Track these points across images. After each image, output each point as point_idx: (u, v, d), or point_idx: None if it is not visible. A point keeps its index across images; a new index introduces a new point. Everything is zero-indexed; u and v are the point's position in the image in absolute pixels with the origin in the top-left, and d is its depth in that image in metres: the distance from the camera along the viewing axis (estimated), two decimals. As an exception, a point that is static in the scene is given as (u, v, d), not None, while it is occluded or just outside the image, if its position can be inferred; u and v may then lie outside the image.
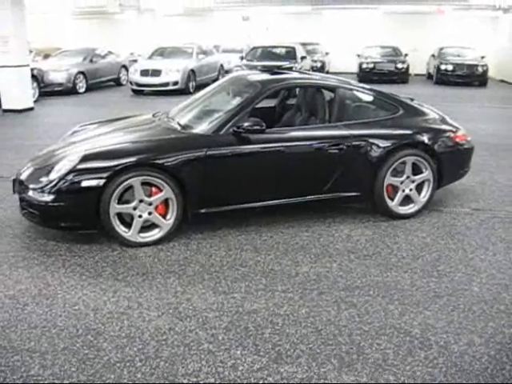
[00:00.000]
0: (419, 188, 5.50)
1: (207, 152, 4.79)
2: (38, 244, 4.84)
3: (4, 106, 12.91)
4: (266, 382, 2.96)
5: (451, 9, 23.44)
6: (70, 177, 4.56)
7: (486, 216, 5.64)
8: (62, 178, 4.57)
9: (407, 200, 5.49)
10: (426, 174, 5.45)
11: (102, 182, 4.53)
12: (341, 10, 25.55)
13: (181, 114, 5.66)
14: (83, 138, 5.51)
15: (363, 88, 5.84)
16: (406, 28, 25.28)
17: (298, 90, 6.32)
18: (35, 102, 14.00)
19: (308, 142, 5.20)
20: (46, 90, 15.76)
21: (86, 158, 4.66)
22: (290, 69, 14.59)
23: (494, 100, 16.37)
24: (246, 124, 4.88)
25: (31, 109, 13.27)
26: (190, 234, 5.05)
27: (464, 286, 4.09)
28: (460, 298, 3.91)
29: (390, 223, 5.38)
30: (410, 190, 5.44)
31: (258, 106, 5.33)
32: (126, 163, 4.58)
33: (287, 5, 24.95)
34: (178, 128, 5.24)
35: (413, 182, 5.43)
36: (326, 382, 2.96)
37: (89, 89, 17.48)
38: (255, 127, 4.88)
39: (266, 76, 5.86)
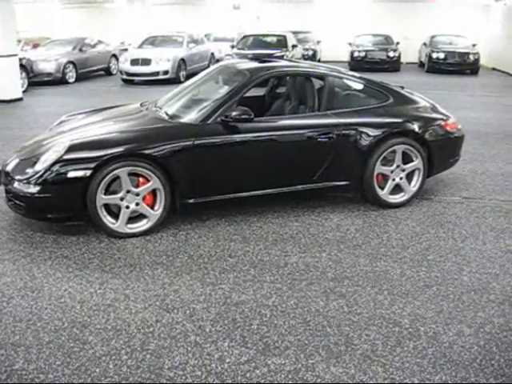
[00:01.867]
0: (409, 177, 5.46)
1: (195, 141, 4.74)
2: (25, 236, 4.78)
3: (-8, 97, 12.76)
4: (253, 374, 2.92)
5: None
6: (55, 167, 4.50)
7: (476, 205, 5.62)
8: (47, 169, 4.51)
9: (397, 189, 5.46)
10: (417, 162, 5.41)
11: (88, 172, 4.46)
12: (332, -2, 25.45)
13: (169, 103, 5.59)
14: (70, 127, 5.43)
15: (353, 76, 5.78)
16: (397, 16, 25.17)
17: (287, 78, 6.25)
18: (24, 92, 13.84)
19: (297, 131, 5.15)
20: (35, 80, 15.56)
21: (71, 149, 4.60)
22: (281, 57, 14.51)
23: (486, 88, 16.35)
24: (234, 113, 4.82)
25: (20, 99, 13.12)
26: (178, 225, 5.00)
27: (454, 276, 4.06)
28: (450, 287, 3.89)
29: (379, 212, 5.34)
30: (401, 178, 5.40)
31: (248, 94, 5.27)
32: (112, 153, 4.52)
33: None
34: (166, 117, 5.17)
35: (403, 170, 5.39)
36: (314, 373, 2.93)
37: (78, 78, 17.30)
38: (243, 116, 4.82)
39: (254, 64, 5.79)
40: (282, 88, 6.46)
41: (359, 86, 5.70)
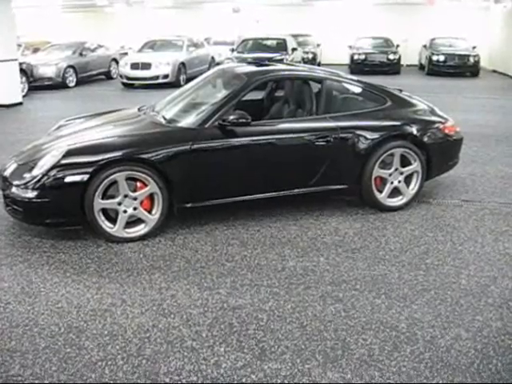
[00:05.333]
0: (408, 180, 5.45)
1: (192, 146, 4.73)
2: (23, 241, 4.77)
3: (-8, 101, 12.78)
4: (249, 379, 2.91)
5: (442, -1, 23.38)
6: (53, 172, 4.49)
7: (475, 207, 5.60)
8: (45, 174, 4.51)
9: (396, 192, 5.45)
10: (415, 165, 5.40)
11: (86, 177, 4.46)
12: (332, 1, 25.43)
13: (166, 107, 5.59)
14: (68, 132, 5.44)
15: (351, 79, 5.78)
16: (397, 19, 25.18)
17: (285, 82, 6.24)
18: (24, 96, 13.86)
19: (295, 135, 5.15)
20: (36, 85, 15.59)
21: (69, 153, 4.59)
22: (281, 61, 14.53)
23: (486, 90, 16.35)
24: (231, 117, 4.82)
25: (20, 103, 13.13)
26: (176, 229, 4.99)
27: (452, 279, 4.05)
28: (447, 291, 3.87)
29: (378, 216, 5.33)
30: (399, 182, 5.40)
31: (246, 98, 5.28)
32: (110, 158, 4.52)
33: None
34: (163, 122, 5.17)
35: (401, 173, 5.38)
36: (310, 378, 2.92)
37: (79, 83, 17.34)
38: (241, 120, 4.81)
39: (252, 68, 5.78)
40: (281, 91, 6.45)
41: (357, 90, 5.69)
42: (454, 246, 4.65)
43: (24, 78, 14.41)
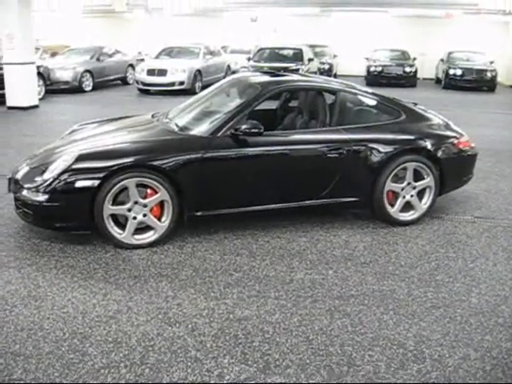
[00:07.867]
0: (420, 194, 5.40)
1: (204, 154, 4.72)
2: (32, 244, 4.78)
3: (9, 103, 12.84)
4: (252, 392, 2.88)
5: (461, 13, 23.23)
6: (64, 177, 4.50)
7: (488, 224, 5.53)
8: (56, 178, 4.52)
9: (408, 206, 5.39)
10: (428, 180, 5.35)
11: (96, 182, 4.46)
12: (350, 13, 25.38)
13: (180, 115, 5.59)
14: (81, 137, 5.46)
15: (365, 92, 5.75)
16: (415, 32, 25.10)
17: (299, 92, 6.22)
18: (41, 99, 13.96)
19: (307, 146, 5.13)
20: (52, 88, 15.71)
21: (80, 158, 4.60)
22: (297, 71, 14.53)
23: (503, 106, 16.22)
24: (243, 126, 4.80)
25: (36, 106, 13.23)
26: (185, 237, 4.97)
27: (462, 297, 3.99)
28: (457, 309, 3.81)
29: (389, 230, 5.28)
30: (411, 196, 5.34)
31: (260, 107, 5.26)
32: (121, 164, 4.52)
33: (296, 6, 24.72)
34: (176, 129, 5.17)
35: (414, 188, 5.33)
36: (314, 394, 2.88)
37: (95, 87, 17.45)
38: (253, 130, 4.79)
39: (266, 78, 5.77)
40: (294, 102, 6.43)
41: (371, 102, 5.66)
42: (466, 263, 4.59)
43: (41, 81, 14.52)
